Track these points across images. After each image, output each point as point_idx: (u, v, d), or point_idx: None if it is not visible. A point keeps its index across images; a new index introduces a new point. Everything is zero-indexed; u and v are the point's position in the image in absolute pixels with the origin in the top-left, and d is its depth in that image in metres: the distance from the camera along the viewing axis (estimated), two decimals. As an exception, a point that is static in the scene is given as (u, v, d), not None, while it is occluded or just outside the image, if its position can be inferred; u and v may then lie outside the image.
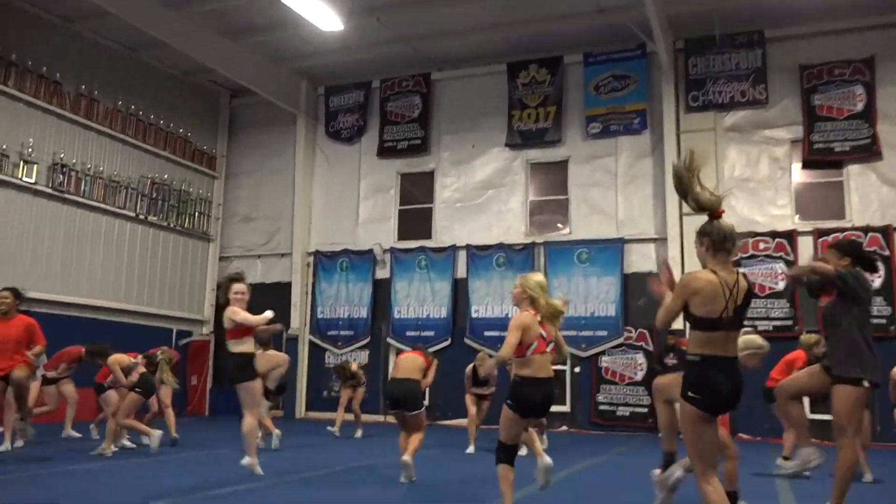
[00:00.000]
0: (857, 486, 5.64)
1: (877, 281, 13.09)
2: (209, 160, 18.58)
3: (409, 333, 16.42)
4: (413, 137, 17.31)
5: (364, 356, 16.71)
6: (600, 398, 14.99)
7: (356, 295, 17.19)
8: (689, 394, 3.73)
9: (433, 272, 16.61)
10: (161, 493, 6.04)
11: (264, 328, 7.37)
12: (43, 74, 14.52)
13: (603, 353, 15.06)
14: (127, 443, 9.54)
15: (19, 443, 9.00)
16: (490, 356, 11.19)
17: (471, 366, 10.61)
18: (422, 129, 17.25)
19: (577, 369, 15.21)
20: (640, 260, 15.12)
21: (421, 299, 16.60)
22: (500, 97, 16.61)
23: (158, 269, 17.10)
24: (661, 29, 14.17)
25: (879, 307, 13.18)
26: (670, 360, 14.40)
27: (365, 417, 12.73)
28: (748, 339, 5.28)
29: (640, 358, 14.80)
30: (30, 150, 14.14)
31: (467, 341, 15.81)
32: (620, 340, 14.96)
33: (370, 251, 17.17)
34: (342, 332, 17.12)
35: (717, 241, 3.82)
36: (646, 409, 14.23)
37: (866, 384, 4.90)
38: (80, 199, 15.14)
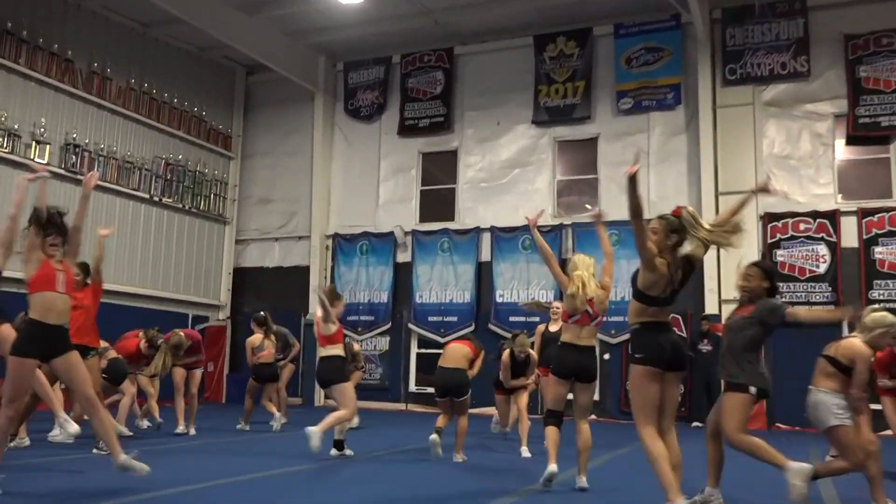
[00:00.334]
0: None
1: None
2: (225, 140, 18.20)
3: (431, 319, 16.02)
4: (435, 115, 16.82)
5: (385, 342, 16.37)
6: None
7: (376, 279, 16.81)
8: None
9: (456, 255, 16.16)
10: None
11: None
12: (54, 52, 14.16)
13: (634, 338, 14.53)
14: (125, 429, 8.94)
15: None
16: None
17: (507, 350, 8.80)
18: (444, 107, 16.75)
19: (606, 356, 14.66)
20: (673, 242, 14.55)
21: (443, 283, 16.16)
22: (527, 72, 16.06)
23: (173, 252, 16.74)
24: (697, -3, 13.56)
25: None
26: (704, 346, 13.94)
27: (387, 405, 12.27)
28: (877, 318, 5.00)
29: (673, 344, 14.24)
30: (42, 129, 13.83)
31: (492, 327, 15.33)
32: (652, 326, 14.40)
33: (391, 234, 16.75)
34: (362, 318, 16.69)
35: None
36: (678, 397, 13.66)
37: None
38: (93, 181, 14.81)
